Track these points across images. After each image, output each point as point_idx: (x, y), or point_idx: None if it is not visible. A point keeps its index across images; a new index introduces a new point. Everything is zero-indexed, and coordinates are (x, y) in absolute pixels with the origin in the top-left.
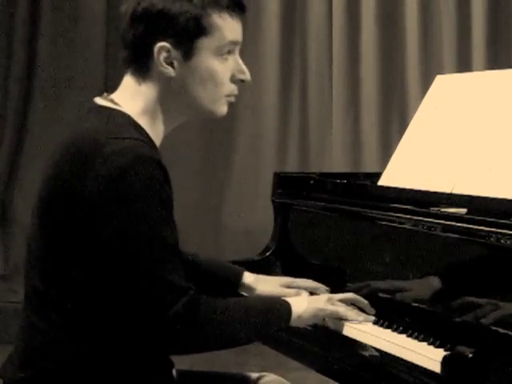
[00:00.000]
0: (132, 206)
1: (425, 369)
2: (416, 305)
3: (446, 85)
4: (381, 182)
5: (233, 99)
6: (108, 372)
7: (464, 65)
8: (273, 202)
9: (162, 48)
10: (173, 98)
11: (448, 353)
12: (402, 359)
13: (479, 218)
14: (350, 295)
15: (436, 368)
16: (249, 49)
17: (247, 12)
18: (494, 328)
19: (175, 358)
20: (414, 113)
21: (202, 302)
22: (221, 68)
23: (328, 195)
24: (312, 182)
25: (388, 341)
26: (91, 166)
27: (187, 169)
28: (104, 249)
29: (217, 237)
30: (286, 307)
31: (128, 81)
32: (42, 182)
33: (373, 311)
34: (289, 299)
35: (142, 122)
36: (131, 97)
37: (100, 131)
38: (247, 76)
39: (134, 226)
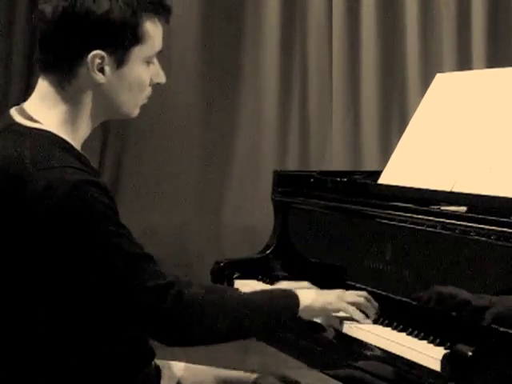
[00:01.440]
0: (82, 236)
1: (425, 367)
2: (416, 303)
3: (445, 83)
4: (381, 181)
5: (146, 101)
6: (89, 380)
7: (464, 63)
8: (273, 200)
9: (96, 55)
10: (97, 103)
11: (448, 351)
12: (401, 357)
13: (479, 216)
14: (361, 300)
15: (436, 366)
16: (249, 49)
17: (247, 12)
18: (493, 326)
19: (178, 356)
20: (414, 111)
21: (190, 293)
22: (146, 75)
23: (328, 193)
24: (312, 180)
25: (388, 339)
26: (22, 202)
27: (187, 167)
28: (67, 282)
29: (217, 235)
30: (293, 298)
31: (46, 87)
32: None
33: (377, 313)
34: (297, 290)
35: (63, 133)
36: (49, 105)
37: (23, 161)
38: (163, 79)
39: (90, 255)
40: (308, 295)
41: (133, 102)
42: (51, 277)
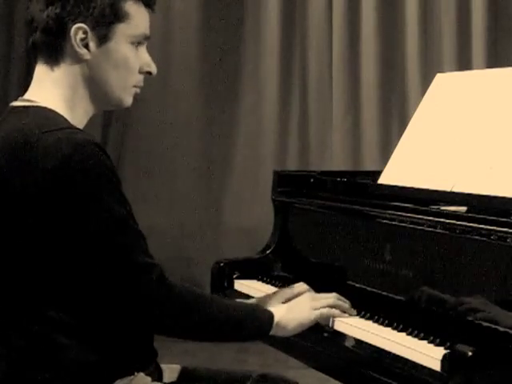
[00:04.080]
0: (84, 195)
1: (425, 367)
2: (416, 303)
3: (446, 83)
4: (381, 181)
5: (138, 90)
6: (93, 373)
7: (464, 63)
8: (273, 200)
9: (79, 29)
10: (86, 82)
11: (448, 351)
12: (402, 357)
13: (479, 216)
14: (330, 301)
15: (436, 366)
16: (249, 48)
17: (246, 11)
18: (493, 326)
19: (177, 355)
20: (414, 111)
21: (171, 280)
22: (132, 55)
23: (328, 194)
24: (312, 180)
25: (388, 339)
26: (29, 164)
27: (187, 167)
28: (63, 240)
29: (217, 235)
30: (269, 317)
31: (40, 70)
32: None
33: (354, 312)
34: (274, 309)
35: (62, 113)
36: (46, 87)
37: (29, 127)
38: (154, 69)
39: (89, 212)
40: (284, 316)
41: (121, 84)
42: (51, 236)
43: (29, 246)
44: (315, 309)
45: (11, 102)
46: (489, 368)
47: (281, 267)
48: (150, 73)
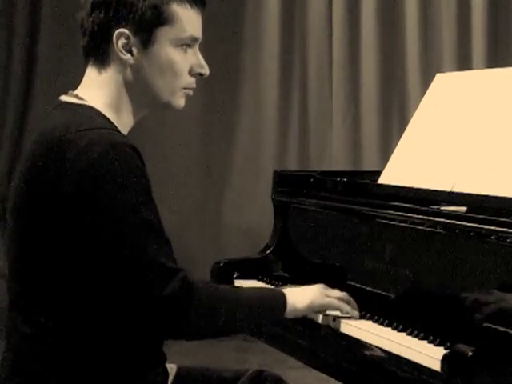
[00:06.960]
0: (112, 194)
1: (425, 367)
2: (416, 303)
3: (445, 83)
4: (381, 181)
5: (191, 92)
6: (101, 371)
7: (464, 63)
8: (273, 200)
9: (121, 34)
10: (132, 86)
11: (448, 351)
12: (401, 357)
13: (479, 216)
14: (343, 295)
15: (436, 366)
16: (249, 48)
17: (246, 12)
18: (494, 326)
19: (176, 355)
20: (414, 111)
21: (196, 283)
22: (179, 59)
23: (328, 193)
24: (312, 180)
25: (388, 339)
26: (63, 161)
27: (187, 167)
28: (89, 240)
29: (217, 235)
30: (281, 297)
31: (89, 72)
32: (15, 185)
33: (357, 314)
34: (284, 290)
35: (108, 114)
36: (94, 88)
37: (68, 125)
38: (206, 70)
39: (117, 213)
40: (295, 295)
41: (168, 88)
42: (78, 234)
43: (54, 241)
44: (328, 296)
45: (11, 102)
46: (489, 368)
47: (281, 267)
48: (201, 74)
